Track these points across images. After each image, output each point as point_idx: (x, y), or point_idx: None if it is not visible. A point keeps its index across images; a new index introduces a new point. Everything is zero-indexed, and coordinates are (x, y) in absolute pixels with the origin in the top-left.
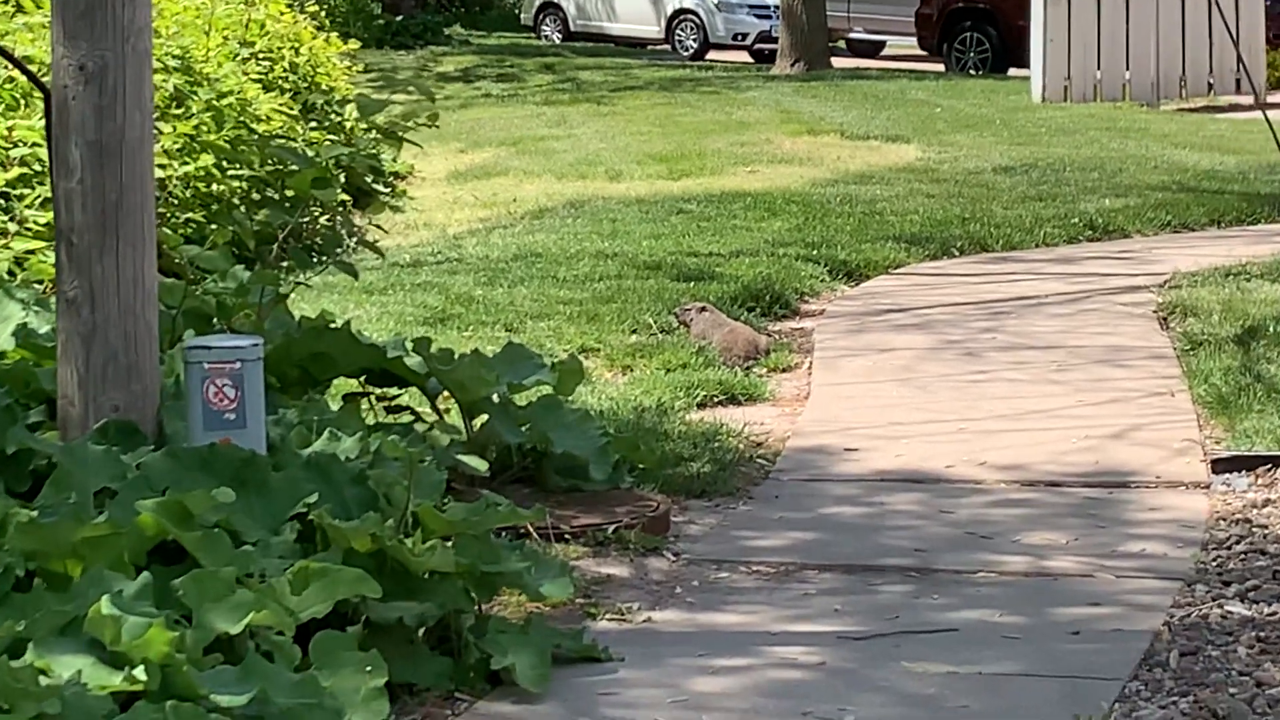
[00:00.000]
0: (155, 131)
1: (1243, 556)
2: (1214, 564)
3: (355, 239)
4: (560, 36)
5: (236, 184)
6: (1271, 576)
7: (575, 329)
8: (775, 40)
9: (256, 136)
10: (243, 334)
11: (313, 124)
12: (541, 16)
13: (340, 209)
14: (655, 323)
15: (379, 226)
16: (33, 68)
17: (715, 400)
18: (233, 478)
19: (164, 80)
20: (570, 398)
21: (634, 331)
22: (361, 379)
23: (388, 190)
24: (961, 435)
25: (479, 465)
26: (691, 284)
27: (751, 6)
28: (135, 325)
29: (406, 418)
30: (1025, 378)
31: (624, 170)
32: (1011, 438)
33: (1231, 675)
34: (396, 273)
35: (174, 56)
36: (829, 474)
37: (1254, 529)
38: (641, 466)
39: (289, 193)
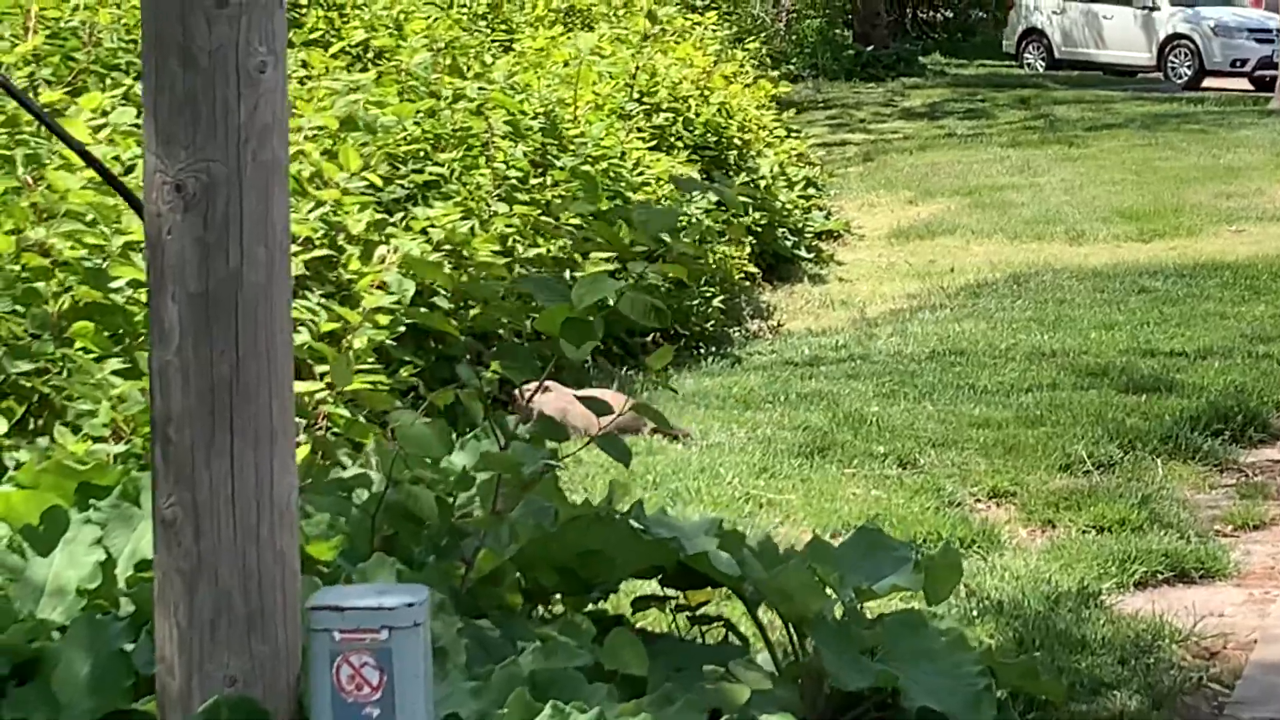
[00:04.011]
0: (511, 203)
1: None
2: None
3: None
4: (1044, 65)
5: (598, 267)
6: None
7: (987, 464)
8: (1277, 67)
9: (629, 206)
10: (398, 585)
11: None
12: (1024, 44)
13: (747, 282)
14: (1091, 456)
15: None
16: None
17: (1158, 577)
18: None
19: (511, 148)
20: (939, 612)
21: (1063, 468)
22: (658, 579)
23: (810, 255)
24: None
25: None
26: (1142, 397)
27: (1252, 30)
28: (260, 557)
29: (717, 633)
30: None
31: (1087, 230)
32: None
33: None
34: (786, 375)
35: (541, 115)
36: None
37: None
38: (1043, 698)
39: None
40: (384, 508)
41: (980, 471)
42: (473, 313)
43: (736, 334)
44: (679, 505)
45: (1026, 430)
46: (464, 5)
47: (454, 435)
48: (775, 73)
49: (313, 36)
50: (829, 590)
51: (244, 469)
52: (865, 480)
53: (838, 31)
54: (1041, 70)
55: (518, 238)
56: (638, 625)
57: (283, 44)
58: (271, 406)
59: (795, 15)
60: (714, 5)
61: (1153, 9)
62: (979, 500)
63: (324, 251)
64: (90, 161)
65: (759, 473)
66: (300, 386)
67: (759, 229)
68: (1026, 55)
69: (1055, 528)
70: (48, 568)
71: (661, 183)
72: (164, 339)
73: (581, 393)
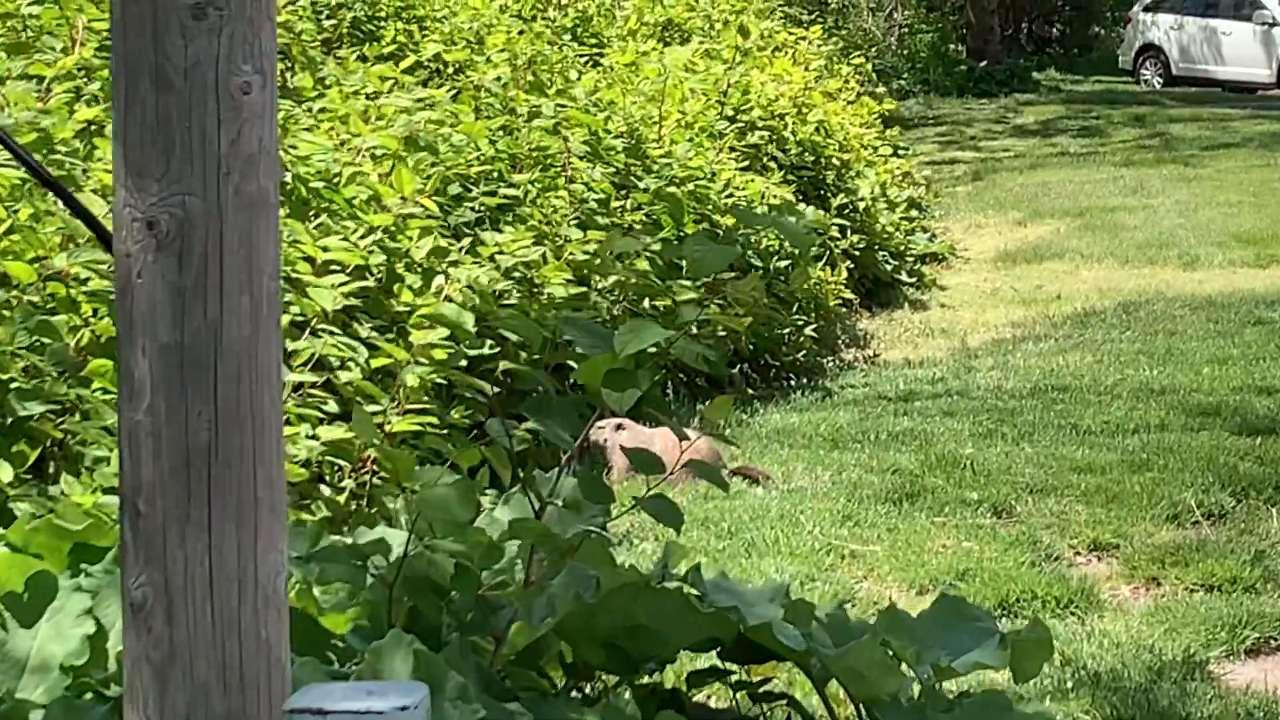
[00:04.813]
0: (587, 228)
1: None
2: None
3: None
4: (1161, 81)
5: (671, 301)
6: None
7: (1088, 514)
8: None
9: (716, 229)
10: (392, 684)
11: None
12: (1141, 60)
13: (843, 308)
14: (1200, 505)
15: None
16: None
17: (1272, 644)
18: None
19: (589, 168)
20: (1025, 692)
21: (1170, 519)
22: (717, 652)
23: (912, 280)
24: None
25: None
26: (1257, 439)
27: None
28: (241, 647)
29: (783, 711)
30: None
31: (1201, 255)
32: None
33: None
34: (878, 411)
35: (625, 134)
36: None
37: None
38: None
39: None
40: (403, 578)
41: (1080, 522)
42: (503, 364)
43: (830, 364)
44: (754, 557)
45: (1131, 476)
46: (549, 19)
47: (512, 481)
48: (882, 89)
49: (387, 50)
50: (904, 667)
51: (224, 547)
52: (956, 530)
53: (951, 46)
54: (1159, 87)
55: (595, 264)
56: (696, 699)
57: (272, 62)
58: (256, 476)
59: (907, 30)
60: (820, 20)
61: (1272, 25)
62: (1078, 554)
63: (364, 283)
64: (53, 187)
65: (842, 521)
66: (341, 433)
67: (857, 252)
68: (1143, 72)
69: (1160, 585)
70: (31, 640)
71: (755, 204)
72: (133, 397)
73: (633, 438)
